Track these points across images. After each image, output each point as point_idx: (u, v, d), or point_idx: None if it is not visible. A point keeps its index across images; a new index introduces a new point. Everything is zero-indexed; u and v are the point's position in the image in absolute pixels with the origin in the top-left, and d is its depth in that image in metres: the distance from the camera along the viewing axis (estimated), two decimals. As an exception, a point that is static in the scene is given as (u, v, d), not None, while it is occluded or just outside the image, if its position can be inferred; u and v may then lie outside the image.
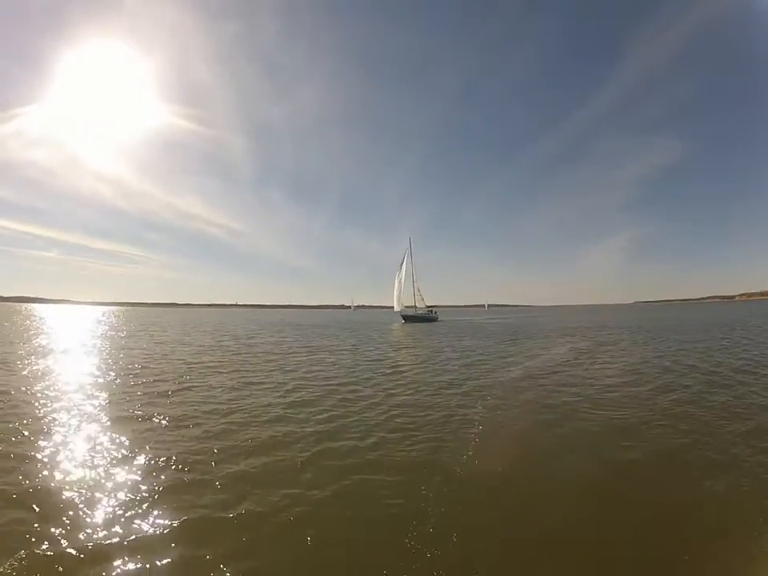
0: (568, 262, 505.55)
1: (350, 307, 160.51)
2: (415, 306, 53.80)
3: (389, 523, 4.26)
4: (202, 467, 5.53)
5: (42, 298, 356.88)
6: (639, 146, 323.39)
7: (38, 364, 13.50)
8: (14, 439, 6.41)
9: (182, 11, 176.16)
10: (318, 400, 9.34)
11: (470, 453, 6.10)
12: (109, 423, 7.27)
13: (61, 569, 3.46)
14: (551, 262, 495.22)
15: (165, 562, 3.58)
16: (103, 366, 13.38)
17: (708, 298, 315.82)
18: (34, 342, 21.36)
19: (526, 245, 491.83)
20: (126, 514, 4.29)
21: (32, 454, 5.83)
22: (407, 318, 50.82)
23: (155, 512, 4.33)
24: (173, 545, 3.80)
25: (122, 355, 16.25)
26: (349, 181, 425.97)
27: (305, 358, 16.60)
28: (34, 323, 40.85)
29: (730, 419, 7.54)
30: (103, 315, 75.26)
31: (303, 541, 3.93)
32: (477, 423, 7.57)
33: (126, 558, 3.59)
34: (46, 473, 5.24)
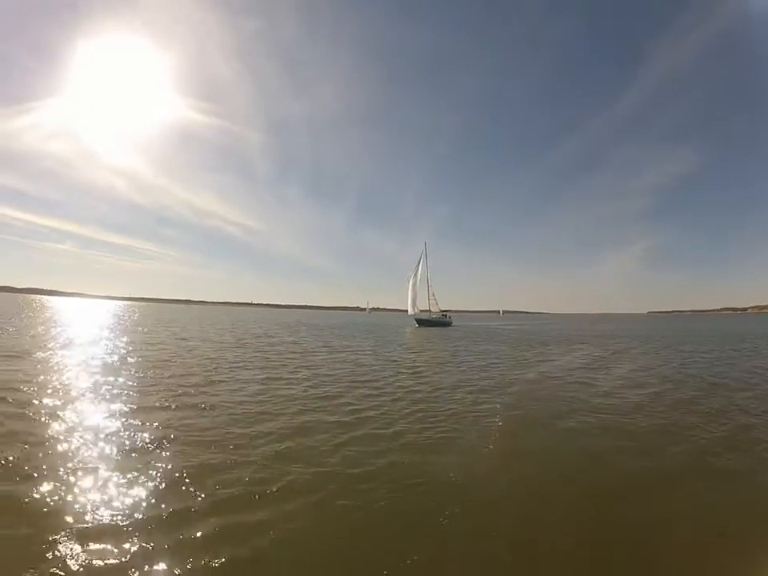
0: (583, 270, 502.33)
1: (365, 309, 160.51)
2: (429, 311, 54.06)
3: (414, 499, 4.78)
4: (243, 449, 6.04)
5: (56, 291, 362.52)
6: (657, 154, 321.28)
7: (69, 356, 14.18)
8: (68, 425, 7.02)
9: (202, 7, 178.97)
10: (342, 395, 9.85)
11: (490, 447, 6.56)
12: (146, 411, 7.71)
13: (120, 537, 3.81)
14: (566, 269, 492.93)
15: (218, 526, 4.02)
16: (133, 360, 14.02)
17: (721, 309, 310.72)
18: (58, 335, 22.13)
19: (542, 250, 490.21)
20: (174, 488, 4.76)
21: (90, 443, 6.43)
22: (421, 322, 51.02)
23: (203, 487, 4.80)
24: (221, 514, 4.22)
25: (148, 351, 16.94)
26: (367, 180, 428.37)
27: (327, 356, 17.28)
28: (52, 316, 41.91)
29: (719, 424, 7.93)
30: (120, 310, 76.77)
31: (336, 511, 4.44)
32: (495, 420, 8.05)
33: (174, 528, 3.97)
34: (103, 450, 5.83)
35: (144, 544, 3.68)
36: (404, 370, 14.36)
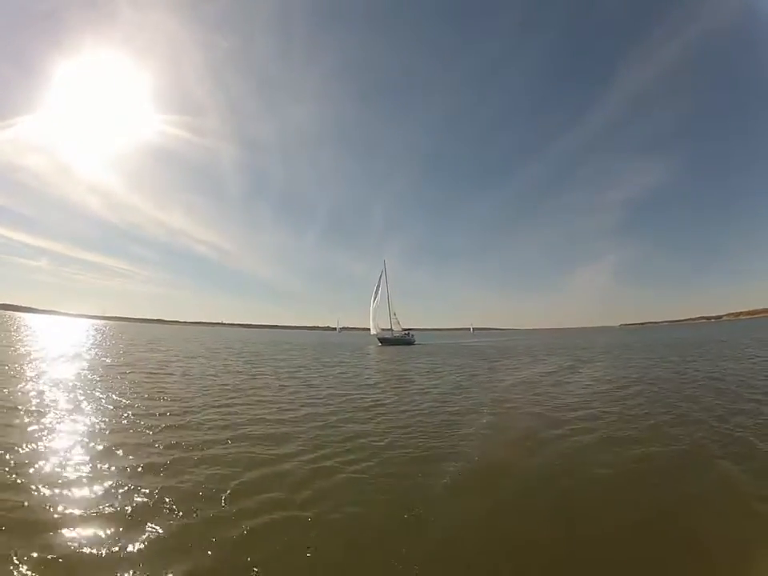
0: (555, 286, 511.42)
1: (335, 329, 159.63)
2: (391, 329, 54.50)
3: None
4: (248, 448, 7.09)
5: (29, 308, 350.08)
6: (627, 169, 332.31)
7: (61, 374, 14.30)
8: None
9: (178, 23, 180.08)
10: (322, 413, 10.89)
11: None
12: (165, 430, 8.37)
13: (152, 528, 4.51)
14: (538, 286, 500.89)
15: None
16: (132, 388, 13.70)
17: (696, 318, 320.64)
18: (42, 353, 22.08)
19: (513, 269, 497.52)
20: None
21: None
22: (384, 341, 51.39)
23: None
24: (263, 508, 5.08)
25: (145, 379, 16.93)
26: (337, 201, 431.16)
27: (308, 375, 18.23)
28: (28, 335, 40.34)
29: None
30: (97, 329, 75.49)
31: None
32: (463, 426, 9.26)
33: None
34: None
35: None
36: (368, 386, 15.68)
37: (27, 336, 38.16)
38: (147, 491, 5.39)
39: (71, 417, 8.95)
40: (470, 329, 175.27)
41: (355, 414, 10.43)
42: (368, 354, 36.44)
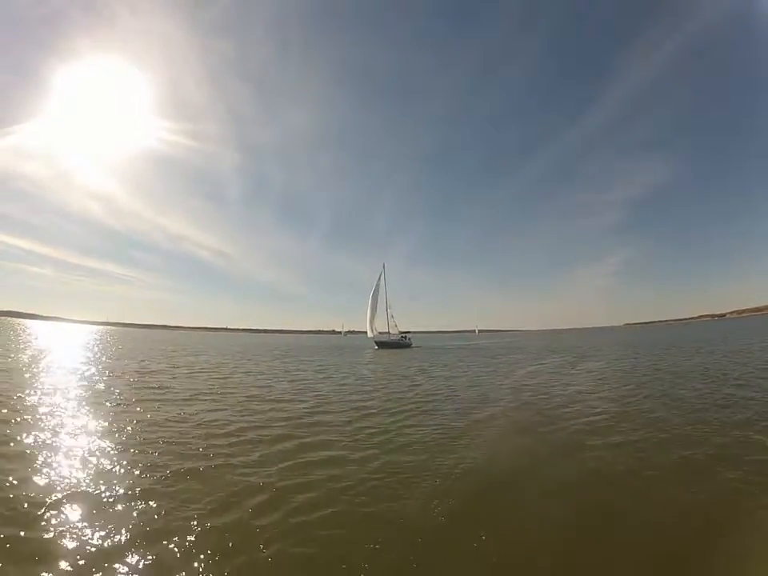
0: (559, 286, 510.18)
1: (340, 332, 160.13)
2: (389, 332, 54.93)
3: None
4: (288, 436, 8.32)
5: (35, 315, 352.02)
6: (628, 167, 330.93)
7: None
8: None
9: (176, 28, 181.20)
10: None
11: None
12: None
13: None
14: (542, 286, 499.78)
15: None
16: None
17: (700, 317, 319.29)
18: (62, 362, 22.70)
19: (516, 269, 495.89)
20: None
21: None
22: (381, 344, 51.81)
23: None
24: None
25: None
26: (339, 205, 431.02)
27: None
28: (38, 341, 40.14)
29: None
30: (105, 335, 76.50)
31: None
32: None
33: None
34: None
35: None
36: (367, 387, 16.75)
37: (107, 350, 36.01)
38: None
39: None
40: (475, 330, 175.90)
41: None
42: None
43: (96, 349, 34.40)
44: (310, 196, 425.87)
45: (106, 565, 3.88)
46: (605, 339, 62.58)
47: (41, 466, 6.14)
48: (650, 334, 71.72)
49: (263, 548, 4.25)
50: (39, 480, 5.65)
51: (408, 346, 53.31)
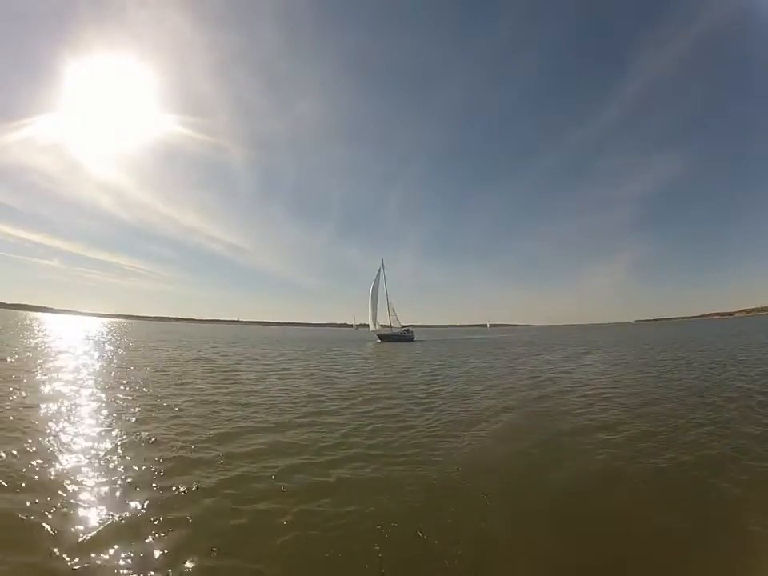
0: (570, 281, 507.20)
1: (351, 326, 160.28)
2: (390, 326, 55.48)
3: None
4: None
5: (46, 307, 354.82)
6: (643, 162, 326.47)
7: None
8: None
9: (184, 20, 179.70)
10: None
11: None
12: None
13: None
14: (554, 281, 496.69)
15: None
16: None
17: (708, 315, 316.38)
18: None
19: (529, 264, 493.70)
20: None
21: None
22: (383, 338, 52.42)
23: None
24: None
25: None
26: (350, 197, 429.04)
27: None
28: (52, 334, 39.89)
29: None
30: (118, 327, 77.30)
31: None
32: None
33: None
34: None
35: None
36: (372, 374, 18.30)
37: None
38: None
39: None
40: (486, 325, 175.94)
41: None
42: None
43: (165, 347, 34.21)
44: (321, 189, 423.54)
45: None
46: (636, 337, 54.41)
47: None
48: (676, 332, 67.52)
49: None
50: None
51: (410, 339, 54.06)
